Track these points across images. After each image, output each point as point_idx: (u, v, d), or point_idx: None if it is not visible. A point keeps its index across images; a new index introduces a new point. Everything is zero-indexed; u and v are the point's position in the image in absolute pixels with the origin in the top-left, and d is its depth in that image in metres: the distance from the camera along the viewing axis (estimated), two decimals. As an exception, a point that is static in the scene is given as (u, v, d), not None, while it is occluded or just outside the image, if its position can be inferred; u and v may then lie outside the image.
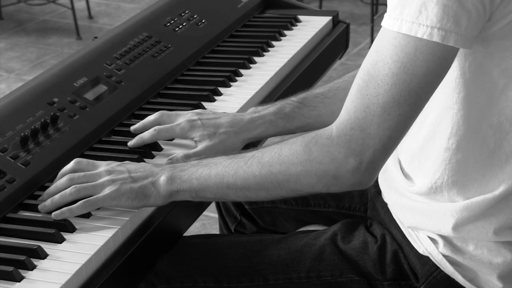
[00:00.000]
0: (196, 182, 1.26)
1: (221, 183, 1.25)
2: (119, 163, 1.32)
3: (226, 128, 1.44)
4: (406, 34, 1.10)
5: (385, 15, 1.14)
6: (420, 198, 1.29)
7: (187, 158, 1.39)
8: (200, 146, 1.42)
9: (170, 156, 1.40)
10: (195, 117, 1.45)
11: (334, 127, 1.18)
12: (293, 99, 1.51)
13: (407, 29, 1.10)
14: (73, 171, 1.32)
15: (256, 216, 1.63)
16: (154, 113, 1.56)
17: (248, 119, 1.46)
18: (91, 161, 1.33)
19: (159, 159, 1.42)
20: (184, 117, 1.45)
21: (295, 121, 1.48)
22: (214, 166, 1.26)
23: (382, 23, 1.14)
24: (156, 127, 1.44)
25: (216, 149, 1.42)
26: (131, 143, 1.44)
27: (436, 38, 1.09)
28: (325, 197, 1.56)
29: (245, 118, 1.46)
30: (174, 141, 1.47)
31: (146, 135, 1.43)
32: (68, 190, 1.27)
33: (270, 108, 1.48)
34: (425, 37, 1.09)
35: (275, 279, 1.35)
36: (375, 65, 1.13)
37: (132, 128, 1.46)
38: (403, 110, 1.13)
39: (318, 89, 1.53)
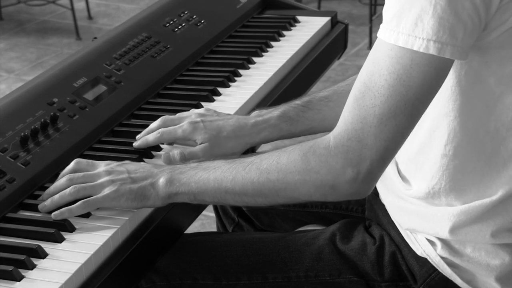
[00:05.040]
0: (194, 186, 1.26)
1: (220, 187, 1.25)
2: (118, 163, 1.33)
3: (229, 133, 1.43)
4: (402, 46, 1.10)
5: (381, 25, 1.13)
6: (417, 201, 1.29)
7: (182, 155, 1.39)
8: (199, 147, 1.42)
9: (166, 151, 1.40)
10: (198, 119, 1.44)
11: (331, 137, 1.18)
12: (297, 102, 1.51)
13: (403, 42, 1.10)
14: (73, 171, 1.32)
15: (254, 217, 1.64)
16: (153, 113, 1.57)
17: (252, 123, 1.46)
18: (90, 161, 1.34)
19: (159, 160, 1.42)
20: (187, 118, 1.45)
21: (300, 124, 1.47)
22: (213, 170, 1.26)
23: (378, 34, 1.14)
24: (160, 130, 1.44)
25: (215, 152, 1.42)
26: (136, 144, 1.44)
27: (432, 50, 1.09)
28: (322, 198, 1.56)
29: (249, 122, 1.46)
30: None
31: (150, 137, 1.44)
32: (67, 190, 1.28)
33: (274, 112, 1.48)
34: (421, 50, 1.09)
35: (274, 278, 1.35)
36: (372, 76, 1.13)
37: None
38: (400, 121, 1.13)
39: (322, 92, 1.53)
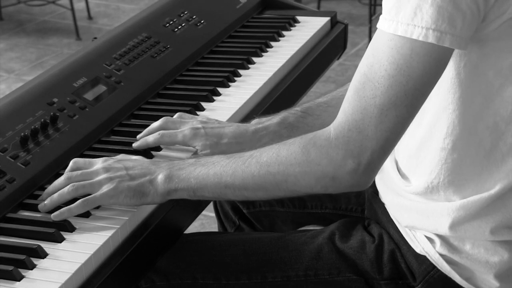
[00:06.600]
0: (194, 181, 1.26)
1: (219, 182, 1.25)
2: (115, 158, 1.33)
3: (229, 139, 1.43)
4: (401, 36, 1.11)
5: (380, 17, 1.14)
6: (416, 197, 1.29)
7: None
8: (200, 155, 1.42)
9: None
10: (199, 125, 1.44)
11: (332, 129, 1.18)
12: (296, 109, 1.51)
13: (402, 31, 1.11)
14: (71, 171, 1.32)
15: (254, 220, 1.64)
16: (153, 113, 1.57)
17: (253, 130, 1.46)
18: (87, 159, 1.34)
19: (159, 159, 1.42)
20: (188, 124, 1.45)
21: (299, 130, 1.47)
22: (212, 166, 1.26)
23: (378, 25, 1.14)
24: (160, 132, 1.43)
25: None
26: (136, 144, 1.44)
27: (431, 39, 1.09)
28: (322, 199, 1.57)
29: (249, 129, 1.46)
30: (175, 146, 1.47)
31: (150, 138, 1.44)
32: (66, 188, 1.28)
33: (274, 118, 1.48)
34: (420, 38, 1.10)
35: (273, 277, 1.35)
36: (372, 67, 1.14)
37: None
38: (400, 112, 1.13)
39: (321, 98, 1.54)
